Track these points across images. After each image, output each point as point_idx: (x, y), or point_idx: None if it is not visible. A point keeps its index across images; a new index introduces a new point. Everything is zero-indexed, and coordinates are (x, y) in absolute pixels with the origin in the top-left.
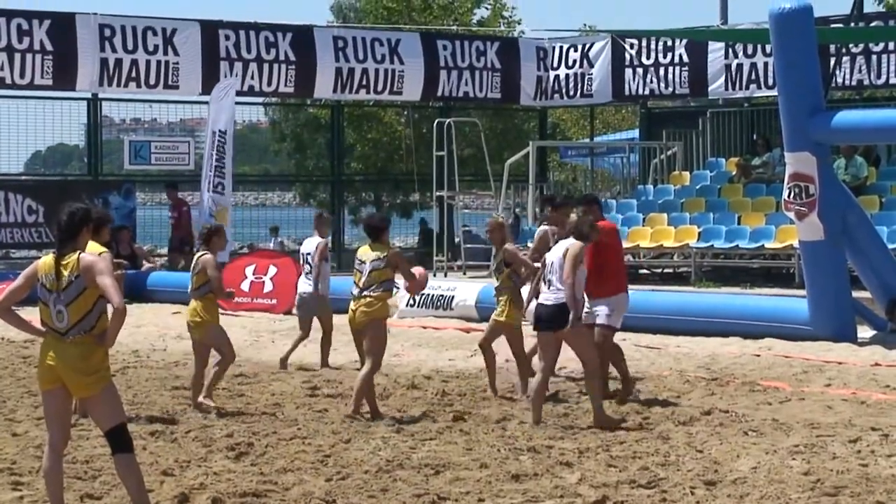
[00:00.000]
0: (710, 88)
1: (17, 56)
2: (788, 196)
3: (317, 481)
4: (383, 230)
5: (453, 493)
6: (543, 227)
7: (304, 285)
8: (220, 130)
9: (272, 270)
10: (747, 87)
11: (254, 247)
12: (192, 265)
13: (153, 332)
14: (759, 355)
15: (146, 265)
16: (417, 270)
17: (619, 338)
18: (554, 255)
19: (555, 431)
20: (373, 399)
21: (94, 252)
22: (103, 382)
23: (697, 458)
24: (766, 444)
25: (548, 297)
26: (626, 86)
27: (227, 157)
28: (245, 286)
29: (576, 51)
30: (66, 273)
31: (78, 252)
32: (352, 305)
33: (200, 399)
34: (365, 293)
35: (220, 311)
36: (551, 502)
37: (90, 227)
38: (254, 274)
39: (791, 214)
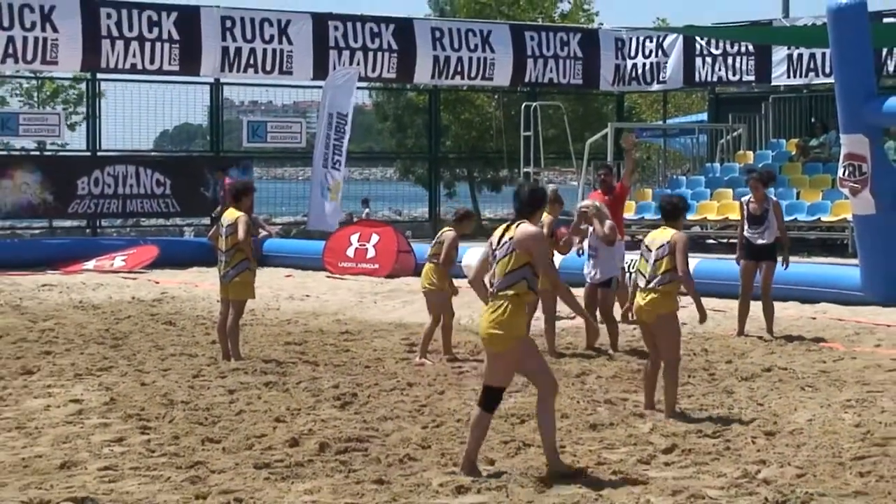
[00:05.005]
0: (773, 76)
1: (148, 45)
2: (843, 174)
3: (414, 428)
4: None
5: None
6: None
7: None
8: (338, 113)
9: (374, 238)
10: (806, 75)
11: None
12: (437, 236)
13: (267, 293)
14: (815, 318)
15: (262, 233)
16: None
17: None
18: None
19: (629, 385)
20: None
21: (233, 216)
22: (509, 342)
23: (758, 410)
24: (820, 398)
25: None
26: (697, 73)
27: (345, 137)
28: (350, 252)
29: (651, 41)
30: (506, 236)
31: (524, 222)
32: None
33: (417, 360)
34: (650, 285)
35: (328, 275)
36: (626, 449)
37: (542, 206)
38: (358, 241)
39: (845, 191)
